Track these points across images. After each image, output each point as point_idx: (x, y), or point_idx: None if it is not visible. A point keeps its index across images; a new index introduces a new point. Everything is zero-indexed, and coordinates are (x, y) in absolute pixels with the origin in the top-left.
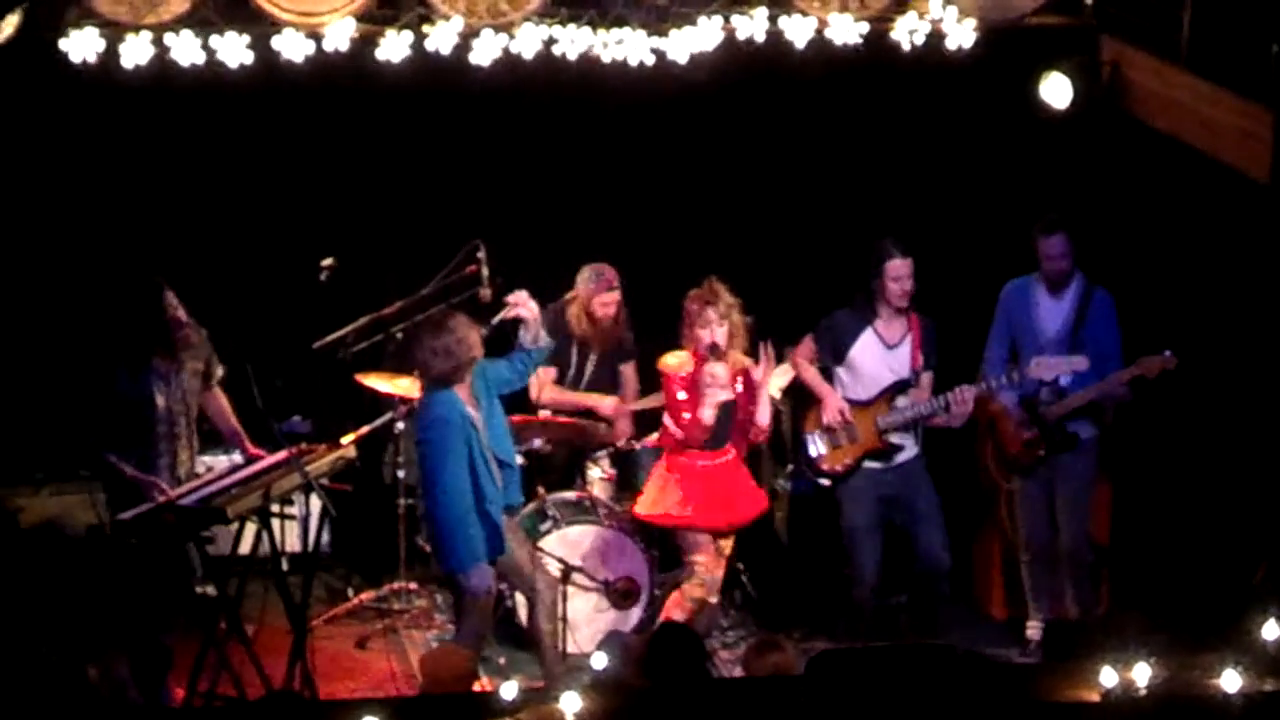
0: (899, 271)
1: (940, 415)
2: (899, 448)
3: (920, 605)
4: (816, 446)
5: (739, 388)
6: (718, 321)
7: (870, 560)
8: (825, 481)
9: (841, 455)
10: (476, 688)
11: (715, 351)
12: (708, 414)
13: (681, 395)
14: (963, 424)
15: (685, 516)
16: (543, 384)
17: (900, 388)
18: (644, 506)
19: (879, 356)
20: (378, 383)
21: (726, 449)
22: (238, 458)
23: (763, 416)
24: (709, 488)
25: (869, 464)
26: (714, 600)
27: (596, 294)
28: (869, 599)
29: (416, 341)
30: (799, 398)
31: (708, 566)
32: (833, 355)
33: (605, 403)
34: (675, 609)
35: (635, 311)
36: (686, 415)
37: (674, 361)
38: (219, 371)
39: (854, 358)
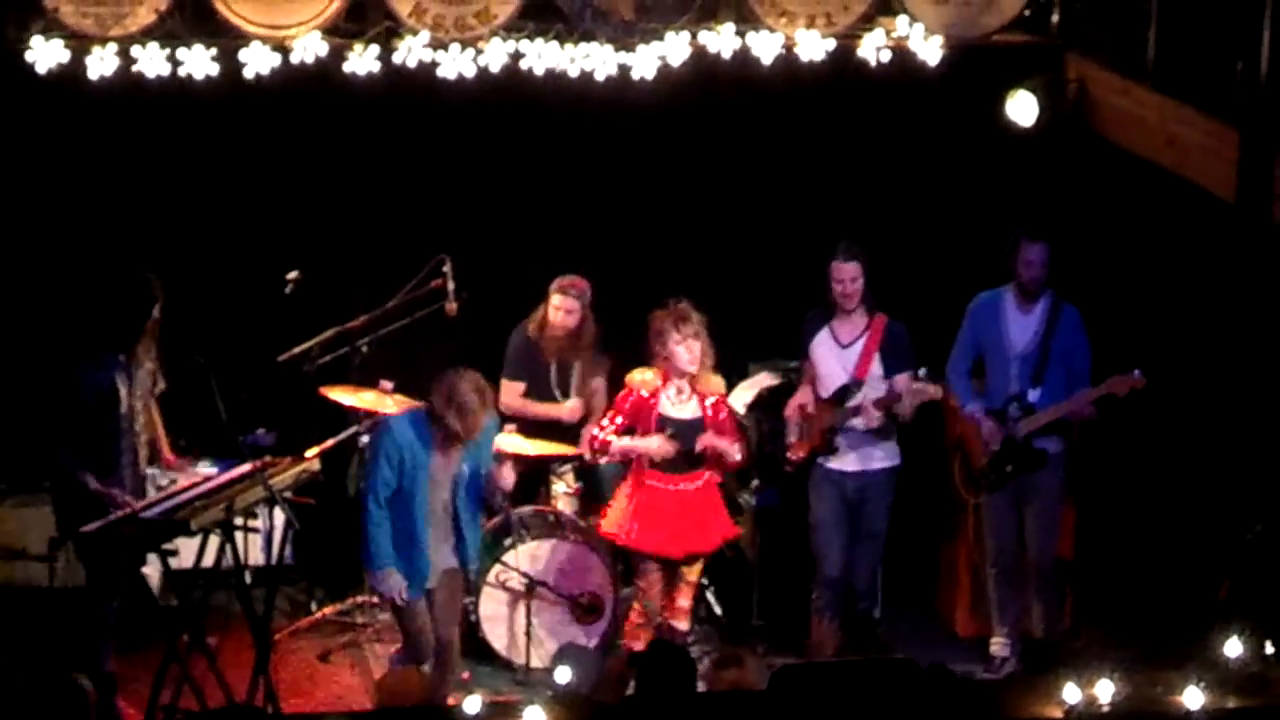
0: (840, 274)
1: (884, 405)
2: (835, 449)
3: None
4: (789, 434)
5: (708, 411)
6: (694, 336)
7: (832, 556)
8: (787, 468)
9: (799, 447)
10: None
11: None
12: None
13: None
14: (911, 414)
15: (635, 539)
16: (512, 396)
17: (848, 390)
18: (606, 523)
19: (832, 354)
20: (342, 396)
21: (695, 474)
22: (203, 470)
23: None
24: (667, 513)
25: (832, 465)
26: (655, 623)
27: (553, 295)
28: (831, 598)
29: (455, 378)
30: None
31: (648, 593)
32: (802, 351)
33: (563, 409)
34: (633, 639)
35: (602, 324)
36: (596, 431)
37: (638, 378)
38: (162, 384)
39: (812, 354)
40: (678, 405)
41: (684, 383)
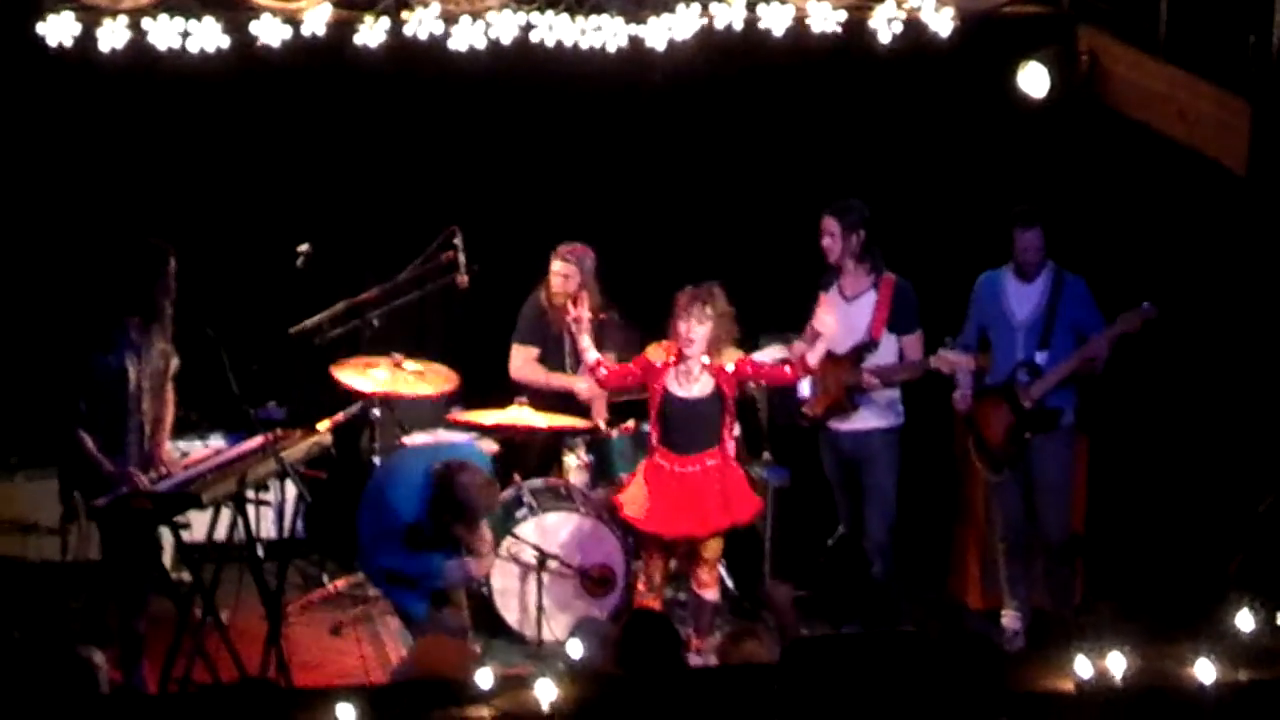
0: (822, 227)
1: (893, 377)
2: (855, 406)
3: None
4: (804, 388)
5: (725, 376)
6: (699, 319)
7: (842, 514)
8: (804, 423)
9: (815, 403)
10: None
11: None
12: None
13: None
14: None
15: (635, 518)
16: (525, 361)
17: (865, 349)
18: (628, 506)
19: (838, 308)
20: (351, 377)
21: (699, 456)
22: (214, 443)
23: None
24: (670, 493)
25: (829, 425)
26: (654, 604)
27: (552, 261)
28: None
29: (474, 485)
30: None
31: (647, 567)
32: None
33: (580, 385)
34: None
35: (611, 296)
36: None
37: (653, 349)
38: (175, 363)
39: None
40: (684, 385)
41: (694, 364)
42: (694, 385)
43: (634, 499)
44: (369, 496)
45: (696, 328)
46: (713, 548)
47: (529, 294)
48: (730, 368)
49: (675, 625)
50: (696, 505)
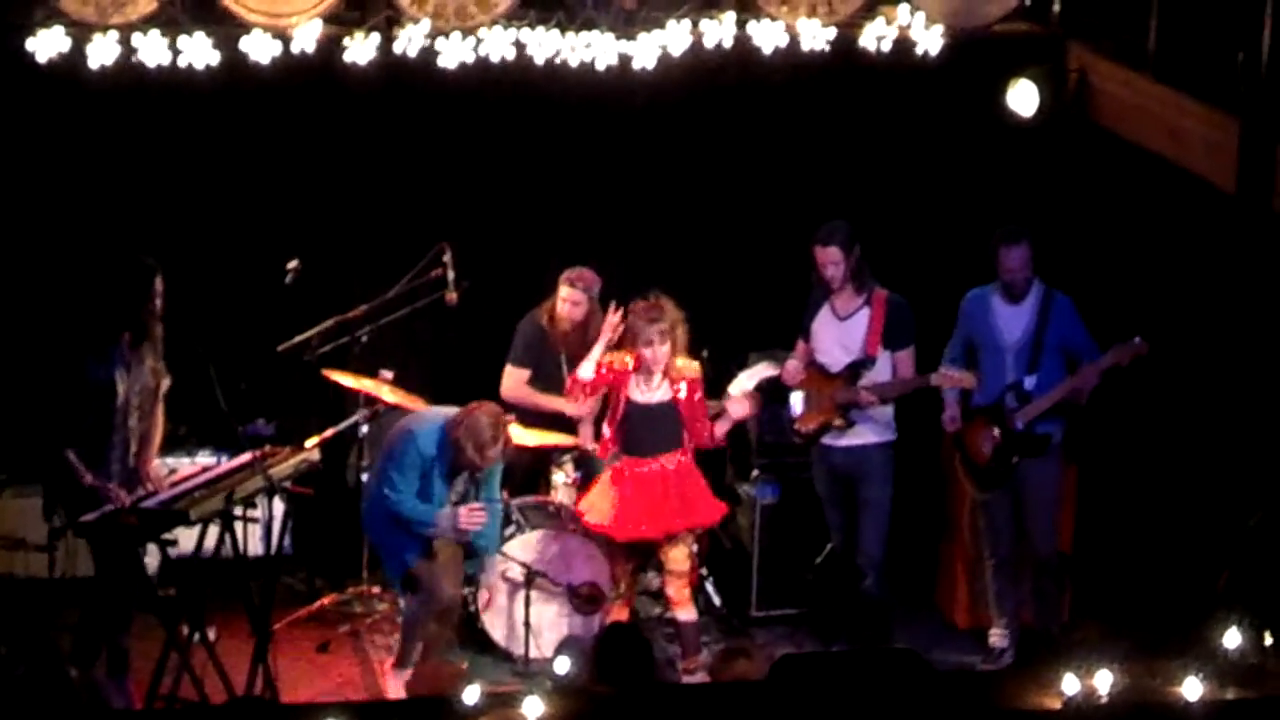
0: (820, 258)
1: (893, 393)
2: (850, 423)
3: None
4: (796, 405)
5: (680, 394)
6: (659, 339)
7: (834, 530)
8: (796, 440)
9: (808, 419)
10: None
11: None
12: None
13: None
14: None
15: (596, 524)
16: (516, 383)
17: (861, 366)
18: (589, 514)
19: (830, 328)
20: (344, 378)
21: (656, 458)
22: (202, 460)
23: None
24: (625, 494)
25: (823, 440)
26: (622, 612)
27: (561, 286)
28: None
29: (475, 409)
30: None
31: (611, 578)
32: (803, 328)
33: (568, 404)
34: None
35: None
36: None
37: (612, 358)
38: (167, 382)
39: (814, 330)
40: (645, 392)
41: (655, 372)
42: (654, 392)
43: (593, 505)
44: (393, 441)
45: (659, 348)
46: (676, 559)
47: (519, 311)
48: (685, 385)
49: (663, 644)
50: (652, 506)
